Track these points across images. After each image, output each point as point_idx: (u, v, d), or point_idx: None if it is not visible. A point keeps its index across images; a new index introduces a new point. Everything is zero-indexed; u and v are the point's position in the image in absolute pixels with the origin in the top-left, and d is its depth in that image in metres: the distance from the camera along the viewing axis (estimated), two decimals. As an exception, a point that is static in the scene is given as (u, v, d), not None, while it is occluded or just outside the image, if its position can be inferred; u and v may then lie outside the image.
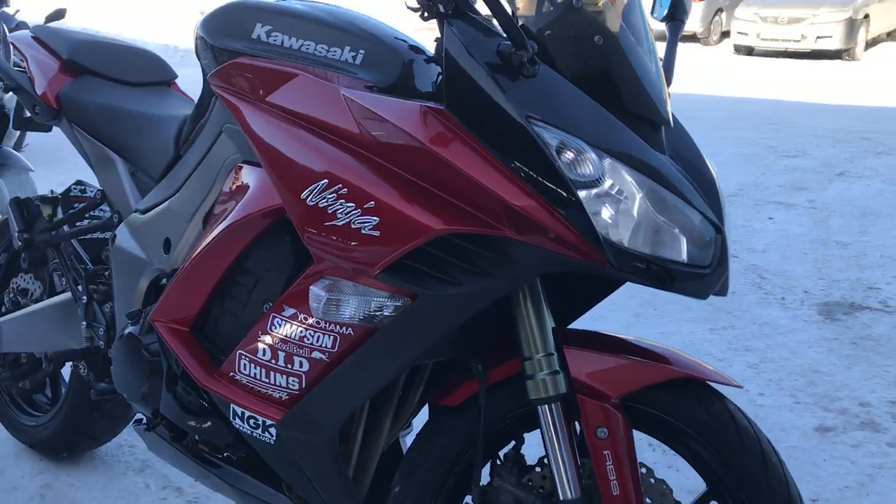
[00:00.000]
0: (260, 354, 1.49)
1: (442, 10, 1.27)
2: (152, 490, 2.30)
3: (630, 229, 1.23)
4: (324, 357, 1.42)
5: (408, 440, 1.75)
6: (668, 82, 1.44)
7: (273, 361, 1.47)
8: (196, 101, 1.78)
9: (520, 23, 1.28)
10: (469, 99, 1.27)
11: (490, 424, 1.43)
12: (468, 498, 1.49)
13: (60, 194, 2.26)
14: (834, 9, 11.45)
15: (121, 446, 2.51)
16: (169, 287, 1.66)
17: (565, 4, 1.30)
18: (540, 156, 1.22)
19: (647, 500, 1.40)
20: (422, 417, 1.59)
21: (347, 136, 1.38)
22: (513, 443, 1.49)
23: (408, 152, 1.31)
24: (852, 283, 3.67)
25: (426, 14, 1.28)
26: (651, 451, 1.92)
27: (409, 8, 1.30)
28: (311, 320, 1.41)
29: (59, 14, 4.70)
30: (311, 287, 1.37)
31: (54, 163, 4.79)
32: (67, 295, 2.12)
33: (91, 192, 2.25)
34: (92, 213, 2.14)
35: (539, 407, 1.37)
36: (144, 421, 1.84)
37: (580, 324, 1.55)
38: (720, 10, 13.50)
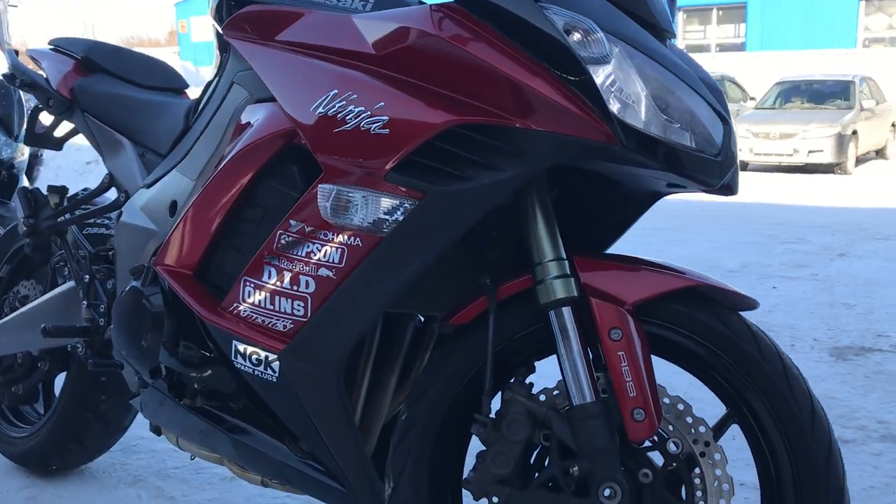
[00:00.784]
0: (265, 277, 1.46)
1: None
2: (144, 500, 2.20)
3: (639, 110, 1.24)
4: (331, 274, 1.39)
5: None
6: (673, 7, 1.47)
7: (278, 284, 1.44)
8: None
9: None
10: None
11: (500, 343, 1.39)
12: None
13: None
14: (823, 124, 11.81)
15: (112, 464, 2.42)
16: (173, 230, 1.65)
17: None
18: (549, 37, 1.24)
19: (665, 416, 1.34)
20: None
21: (358, 56, 1.41)
22: (522, 369, 1.43)
23: (419, 53, 1.33)
24: (861, 333, 3.63)
25: None
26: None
27: None
28: (318, 233, 1.39)
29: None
30: (319, 187, 1.36)
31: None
32: (70, 284, 2.10)
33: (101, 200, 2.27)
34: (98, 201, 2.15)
35: (551, 312, 1.33)
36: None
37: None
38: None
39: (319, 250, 1.40)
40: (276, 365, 1.46)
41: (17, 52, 2.36)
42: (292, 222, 1.42)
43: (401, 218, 1.33)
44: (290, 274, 1.43)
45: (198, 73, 21.98)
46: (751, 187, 10.69)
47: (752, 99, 14.75)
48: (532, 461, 1.39)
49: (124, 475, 2.35)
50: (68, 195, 2.20)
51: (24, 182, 4.05)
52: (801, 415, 1.30)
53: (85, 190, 2.31)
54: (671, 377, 1.45)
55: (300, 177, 1.49)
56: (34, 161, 4.01)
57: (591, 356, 1.35)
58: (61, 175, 2.97)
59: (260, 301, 1.47)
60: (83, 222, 2.15)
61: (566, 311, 1.32)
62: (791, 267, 5.26)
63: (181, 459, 2.43)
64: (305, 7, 1.54)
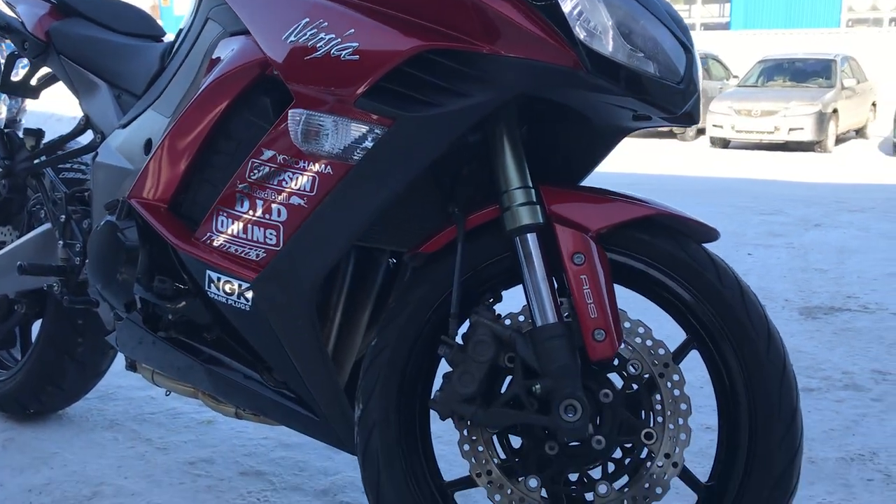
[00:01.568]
0: (238, 206, 1.48)
1: None
2: (120, 442, 2.23)
3: (605, 38, 1.26)
4: (303, 203, 1.42)
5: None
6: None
7: (251, 213, 1.47)
8: None
9: None
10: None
11: (468, 271, 1.42)
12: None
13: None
14: (804, 102, 11.89)
15: (89, 409, 2.45)
16: (147, 165, 1.66)
17: None
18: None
19: (626, 339, 1.37)
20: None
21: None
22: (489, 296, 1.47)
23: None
24: (832, 295, 3.69)
25: None
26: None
27: None
28: (290, 161, 1.42)
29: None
30: (290, 111, 1.38)
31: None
32: (46, 226, 2.11)
33: (73, 145, 2.27)
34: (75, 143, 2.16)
35: (516, 238, 1.36)
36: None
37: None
38: (695, 108, 13.97)
39: (291, 178, 1.42)
40: (248, 294, 1.48)
41: None
42: (264, 150, 1.44)
43: (370, 145, 1.35)
44: (262, 203, 1.45)
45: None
46: (731, 163, 10.79)
47: (736, 77, 14.81)
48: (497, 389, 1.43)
49: (101, 420, 2.37)
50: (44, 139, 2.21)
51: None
52: (758, 339, 1.34)
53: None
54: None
55: (273, 108, 1.51)
56: (15, 115, 3.99)
57: (555, 285, 1.38)
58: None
59: (233, 230, 1.49)
60: (59, 165, 2.16)
61: (531, 238, 1.35)
62: (767, 236, 5.33)
63: (158, 406, 2.46)
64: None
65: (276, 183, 1.44)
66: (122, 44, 2.06)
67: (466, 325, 1.42)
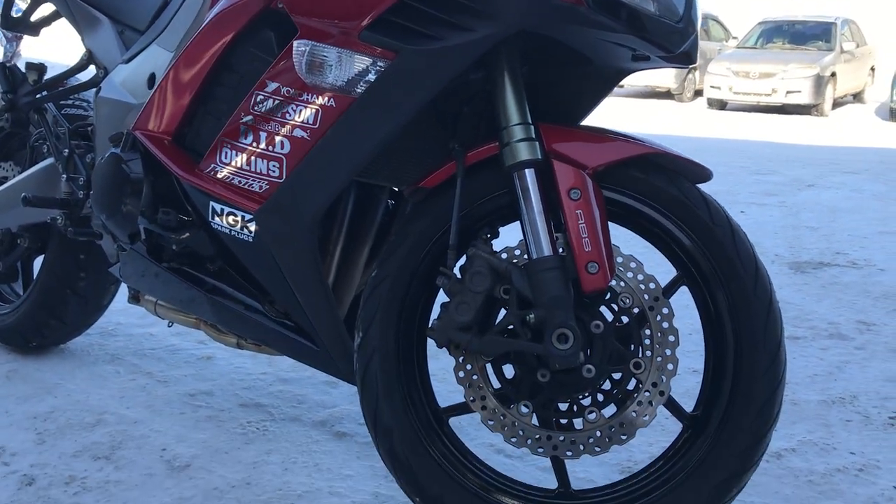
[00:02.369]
0: (242, 138, 1.51)
1: None
2: (122, 375, 2.28)
3: (606, -27, 1.29)
4: (306, 135, 1.45)
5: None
6: None
7: (255, 145, 1.50)
8: None
9: None
10: None
11: (466, 206, 1.45)
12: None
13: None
14: (802, 65, 11.86)
15: (90, 344, 2.49)
16: (151, 97, 1.69)
17: None
18: None
19: (618, 273, 1.41)
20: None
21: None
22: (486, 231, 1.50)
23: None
24: (821, 251, 3.75)
25: None
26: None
27: None
28: (293, 93, 1.44)
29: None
30: (294, 43, 1.41)
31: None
32: (49, 160, 2.14)
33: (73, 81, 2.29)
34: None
35: (515, 173, 1.39)
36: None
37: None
38: (694, 68, 13.93)
39: (294, 111, 1.45)
40: (251, 225, 1.52)
41: None
42: (268, 83, 1.47)
43: (373, 78, 1.38)
44: (265, 135, 1.48)
45: None
46: (728, 125, 10.79)
47: (735, 38, 14.73)
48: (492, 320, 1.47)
49: (102, 354, 2.42)
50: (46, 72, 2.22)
51: None
52: (745, 275, 1.38)
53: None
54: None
55: (276, 42, 1.53)
56: (10, 59, 3.97)
57: (551, 222, 1.42)
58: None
59: (236, 162, 1.52)
60: (60, 101, 2.18)
61: (529, 173, 1.39)
62: (760, 195, 5.37)
63: (157, 342, 2.51)
64: None
65: (279, 115, 1.46)
66: (126, -23, 2.07)
67: (464, 259, 1.47)
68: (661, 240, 1.44)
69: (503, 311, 1.43)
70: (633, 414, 1.38)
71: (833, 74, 12.18)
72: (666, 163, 1.44)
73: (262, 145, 1.49)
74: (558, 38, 1.40)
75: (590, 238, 1.37)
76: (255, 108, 1.49)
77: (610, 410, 1.42)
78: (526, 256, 1.41)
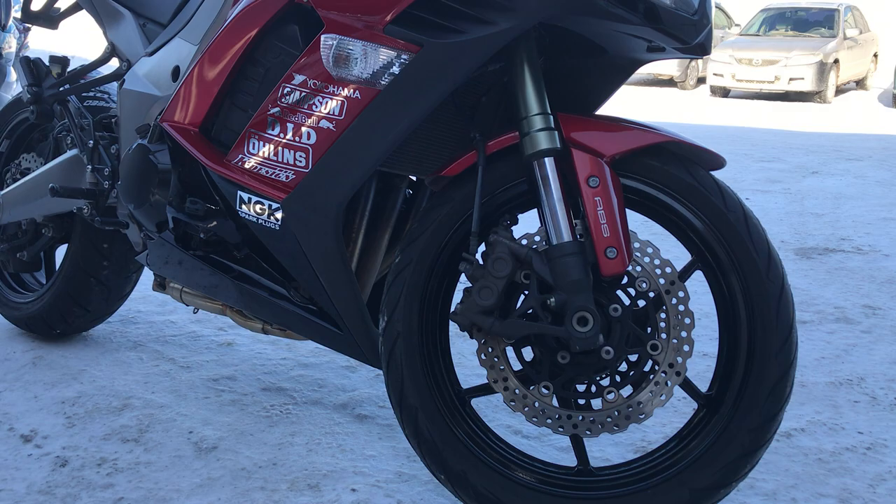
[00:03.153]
0: (269, 129, 1.56)
1: None
2: (145, 361, 2.33)
3: (623, -33, 1.33)
4: (331, 126, 1.49)
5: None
6: None
7: (282, 136, 1.54)
8: None
9: None
10: None
11: (486, 195, 1.50)
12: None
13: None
14: (805, 52, 11.87)
15: (112, 332, 2.54)
16: (178, 89, 1.73)
17: None
18: None
19: (635, 258, 1.46)
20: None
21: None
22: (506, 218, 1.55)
23: None
24: (826, 237, 3.79)
25: None
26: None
27: None
28: (320, 86, 1.49)
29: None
30: (322, 37, 1.45)
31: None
32: (73, 152, 2.18)
33: (97, 74, 2.33)
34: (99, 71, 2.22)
35: (534, 161, 1.44)
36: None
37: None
38: (696, 56, 13.91)
39: (321, 103, 1.49)
40: (278, 214, 1.57)
41: None
42: (295, 75, 1.52)
43: (397, 70, 1.43)
44: (292, 126, 1.53)
45: None
46: (731, 112, 10.81)
47: (738, 25, 14.72)
48: (513, 304, 1.52)
49: (124, 341, 2.47)
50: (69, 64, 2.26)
51: (12, 75, 4.07)
52: (759, 258, 1.43)
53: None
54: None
55: (301, 36, 1.58)
56: (19, 50, 4.02)
57: (570, 209, 1.46)
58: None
59: (264, 152, 1.57)
60: (84, 93, 2.22)
61: (548, 162, 1.44)
62: (765, 182, 5.41)
63: (178, 329, 2.56)
64: None
65: (306, 107, 1.51)
66: (147, -28, 2.11)
67: (485, 245, 1.51)
68: (676, 225, 1.49)
69: (523, 296, 1.48)
70: (651, 394, 1.44)
71: (836, 61, 12.18)
72: (680, 151, 1.49)
73: (289, 136, 1.54)
74: (575, 30, 1.45)
75: (608, 224, 1.41)
76: (282, 100, 1.53)
77: (628, 391, 1.47)
78: (545, 243, 1.46)
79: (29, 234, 2.38)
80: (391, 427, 1.91)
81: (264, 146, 1.57)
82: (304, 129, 1.52)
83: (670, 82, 13.78)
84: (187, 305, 1.95)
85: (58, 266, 2.43)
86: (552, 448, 1.84)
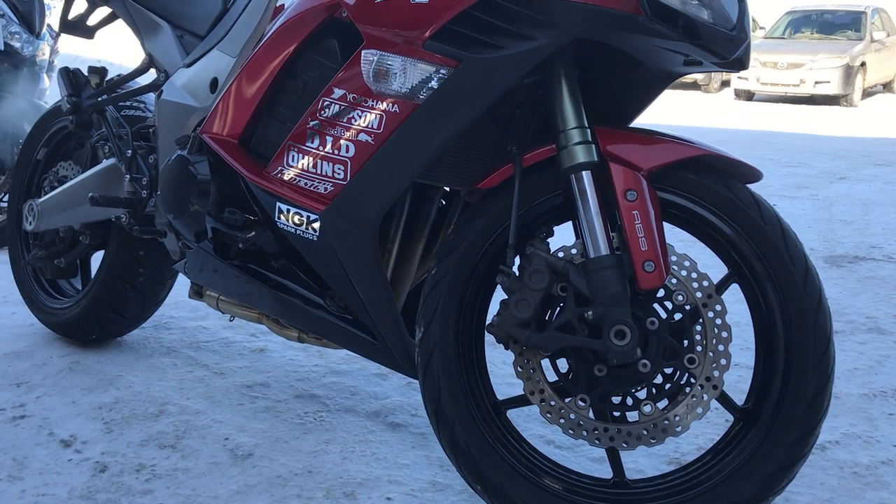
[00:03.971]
0: (308, 142, 1.58)
1: None
2: (179, 367, 2.36)
3: (663, -17, 1.34)
4: (370, 140, 1.51)
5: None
6: None
7: (321, 148, 1.56)
8: None
9: None
10: None
11: (523, 207, 1.51)
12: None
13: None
14: (832, 55, 11.79)
15: (146, 338, 2.58)
16: (218, 101, 1.76)
17: None
18: None
19: (672, 270, 1.47)
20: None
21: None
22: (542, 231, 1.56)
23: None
24: (856, 245, 3.77)
25: None
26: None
27: None
28: (359, 99, 1.51)
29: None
30: (362, 52, 1.47)
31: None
32: (111, 161, 2.22)
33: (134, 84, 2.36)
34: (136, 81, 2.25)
35: (572, 175, 1.45)
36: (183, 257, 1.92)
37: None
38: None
39: (360, 116, 1.51)
40: (316, 225, 1.59)
41: None
42: (335, 89, 1.54)
43: (436, 85, 1.44)
44: (331, 139, 1.55)
45: None
46: (756, 116, 10.75)
47: (762, 28, 14.63)
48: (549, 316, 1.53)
49: (158, 346, 2.50)
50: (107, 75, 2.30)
51: (45, 82, 4.13)
52: (796, 271, 1.43)
53: (118, 76, 2.41)
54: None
55: (340, 50, 1.60)
56: (51, 57, 4.08)
57: (607, 221, 1.47)
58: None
59: (303, 165, 1.59)
60: (121, 103, 2.26)
61: (586, 175, 1.44)
62: (792, 188, 5.38)
63: (211, 335, 2.59)
64: None
65: (345, 120, 1.53)
66: (185, -16, 2.14)
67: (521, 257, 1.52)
68: (713, 238, 1.50)
69: (559, 308, 1.49)
70: (687, 407, 1.44)
71: (863, 64, 12.09)
72: (717, 164, 1.50)
73: (328, 148, 1.56)
74: (612, 44, 1.46)
75: (646, 237, 1.42)
76: (322, 113, 1.56)
77: (664, 403, 1.47)
78: (582, 255, 1.47)
79: (66, 241, 2.42)
80: (424, 436, 1.93)
81: (303, 158, 1.59)
82: (342, 141, 1.54)
83: (694, 85, 13.72)
84: (223, 313, 1.98)
85: (93, 272, 2.47)
86: (585, 458, 1.84)
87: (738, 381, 2.12)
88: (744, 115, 10.82)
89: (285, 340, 2.45)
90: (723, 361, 1.44)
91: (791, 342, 1.42)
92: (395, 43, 1.46)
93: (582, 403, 1.47)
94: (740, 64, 1.45)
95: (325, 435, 1.94)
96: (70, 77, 2.23)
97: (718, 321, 1.45)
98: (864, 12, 12.93)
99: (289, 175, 1.62)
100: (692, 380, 1.44)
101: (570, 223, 1.57)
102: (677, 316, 1.47)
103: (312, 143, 1.57)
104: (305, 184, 1.60)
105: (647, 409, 1.45)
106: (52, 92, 4.02)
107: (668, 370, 1.47)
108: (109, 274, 2.34)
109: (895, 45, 13.49)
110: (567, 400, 1.48)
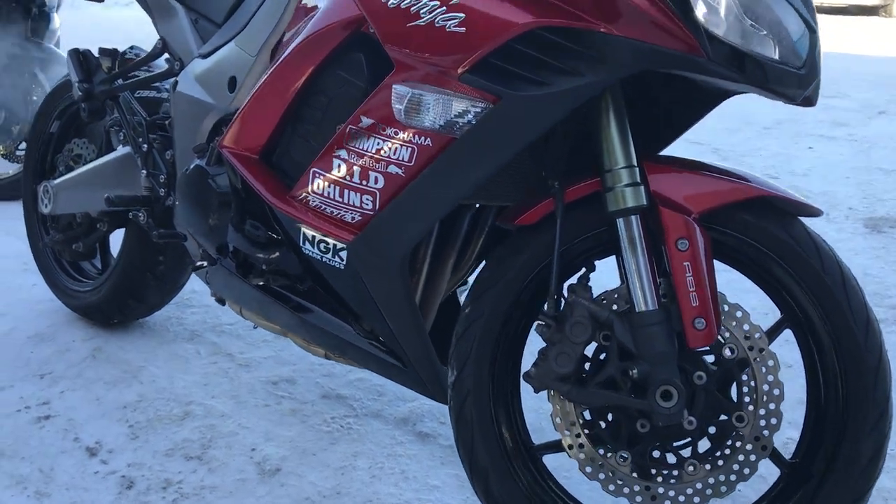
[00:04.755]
0: (334, 171, 1.48)
1: None
2: (202, 356, 2.32)
3: (726, 20, 1.21)
4: (400, 172, 1.41)
5: (463, 297, 1.74)
6: None
7: (348, 178, 1.46)
8: None
9: None
10: None
11: (564, 244, 1.41)
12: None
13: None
14: (872, -38, 11.25)
15: (169, 318, 2.54)
16: (239, 114, 1.65)
17: None
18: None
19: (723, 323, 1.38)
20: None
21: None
22: (583, 269, 1.47)
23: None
24: (897, 203, 3.63)
25: None
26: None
27: None
28: (389, 130, 1.40)
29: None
30: (393, 87, 1.36)
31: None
32: (126, 150, 2.12)
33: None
34: (150, 66, 2.13)
35: (618, 219, 1.35)
36: (207, 263, 1.85)
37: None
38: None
39: (389, 148, 1.41)
40: (343, 254, 1.50)
41: None
42: (362, 118, 1.43)
43: (473, 121, 1.33)
44: (359, 169, 1.45)
45: None
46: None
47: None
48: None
49: (181, 330, 2.46)
50: (120, 57, 2.18)
51: (56, 21, 3.96)
52: (857, 328, 1.34)
53: (131, 48, 2.28)
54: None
55: (367, 66, 1.47)
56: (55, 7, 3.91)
57: (654, 262, 1.38)
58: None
59: (329, 193, 1.49)
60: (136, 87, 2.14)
61: (634, 220, 1.34)
62: (828, 125, 5.18)
63: (234, 316, 2.53)
64: None
65: (373, 151, 1.42)
66: (200, -35, 1.99)
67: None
68: (767, 281, 1.40)
69: (600, 356, 1.42)
70: (734, 467, 1.38)
71: (905, -28, 11.53)
72: (775, 203, 1.38)
73: (356, 179, 1.46)
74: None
75: (697, 292, 1.33)
76: (349, 142, 1.45)
77: (710, 462, 1.41)
78: (626, 302, 1.38)
79: (84, 226, 2.35)
80: (453, 449, 1.88)
81: (329, 186, 1.50)
82: (371, 172, 1.44)
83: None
84: (246, 320, 1.91)
85: (114, 253, 2.41)
86: None
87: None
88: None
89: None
90: (773, 421, 1.37)
91: (847, 401, 1.34)
92: (429, 73, 1.34)
93: (623, 459, 1.40)
94: (808, 102, 1.33)
95: (353, 446, 1.90)
96: (80, 60, 2.11)
97: (770, 378, 1.37)
98: (909, -85, 12.24)
99: (314, 201, 1.52)
100: (739, 440, 1.37)
101: (612, 257, 1.48)
102: (727, 370, 1.39)
103: (339, 171, 1.47)
104: (332, 212, 1.50)
105: (690, 467, 1.39)
106: (62, 37, 3.87)
107: (714, 429, 1.40)
108: (129, 264, 2.28)
109: (940, -51, 12.81)
110: (608, 455, 1.41)
